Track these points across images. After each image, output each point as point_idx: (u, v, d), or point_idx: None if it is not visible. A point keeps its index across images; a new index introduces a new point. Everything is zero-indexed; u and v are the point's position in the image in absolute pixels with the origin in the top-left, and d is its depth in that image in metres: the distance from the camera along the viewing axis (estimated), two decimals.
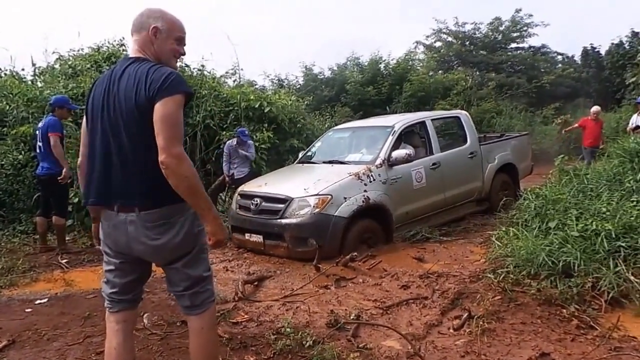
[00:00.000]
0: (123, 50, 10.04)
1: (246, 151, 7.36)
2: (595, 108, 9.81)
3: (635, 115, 8.50)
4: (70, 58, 9.98)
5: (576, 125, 9.76)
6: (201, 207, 1.94)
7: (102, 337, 2.98)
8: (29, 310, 3.89)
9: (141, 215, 1.96)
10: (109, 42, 10.27)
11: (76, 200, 6.47)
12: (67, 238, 6.12)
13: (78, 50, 10.17)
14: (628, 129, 8.17)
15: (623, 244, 3.53)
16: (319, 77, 18.75)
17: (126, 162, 1.95)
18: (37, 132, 5.65)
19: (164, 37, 2.06)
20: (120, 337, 2.13)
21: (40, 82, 9.27)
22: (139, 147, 1.92)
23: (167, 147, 1.82)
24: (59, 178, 5.41)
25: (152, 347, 3.05)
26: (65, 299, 4.14)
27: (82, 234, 6.54)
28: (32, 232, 6.53)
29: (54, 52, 10.01)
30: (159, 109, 1.84)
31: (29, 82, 9.24)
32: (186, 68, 9.55)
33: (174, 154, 1.82)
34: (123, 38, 10.30)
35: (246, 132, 7.49)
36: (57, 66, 9.86)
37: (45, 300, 4.12)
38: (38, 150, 5.63)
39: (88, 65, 9.29)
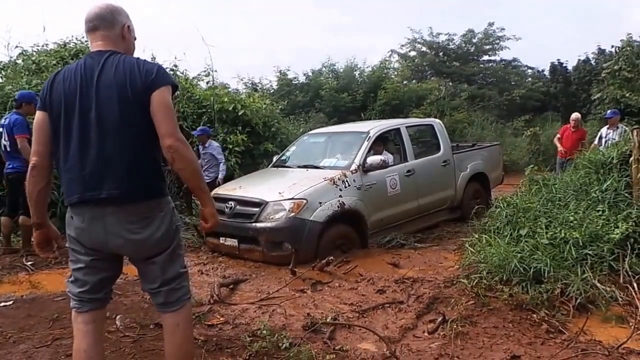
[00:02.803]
0: None
1: (213, 151, 7.33)
2: (575, 115, 8.77)
3: (605, 129, 8.22)
4: (34, 53, 9.54)
5: (559, 135, 8.84)
6: (202, 190, 2.06)
7: (71, 339, 2.85)
8: None
9: (123, 209, 1.93)
10: (76, 38, 9.97)
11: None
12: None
13: (43, 46, 9.76)
14: (593, 145, 7.74)
15: (590, 252, 3.69)
16: (293, 82, 18.70)
17: (113, 155, 1.92)
18: (2, 129, 5.43)
19: (132, 34, 2.14)
20: (90, 339, 2.05)
21: (1, 77, 8.88)
22: (131, 139, 1.92)
23: (173, 132, 1.90)
24: None
25: (125, 349, 2.98)
26: (31, 302, 3.98)
27: None
28: None
29: (16, 47, 9.51)
30: (158, 97, 1.90)
31: None
32: None
33: (180, 138, 1.91)
34: None
35: (207, 129, 7.56)
36: (20, 61, 9.40)
37: (11, 302, 3.95)
38: (4, 149, 5.41)
39: (54, 62, 8.89)
